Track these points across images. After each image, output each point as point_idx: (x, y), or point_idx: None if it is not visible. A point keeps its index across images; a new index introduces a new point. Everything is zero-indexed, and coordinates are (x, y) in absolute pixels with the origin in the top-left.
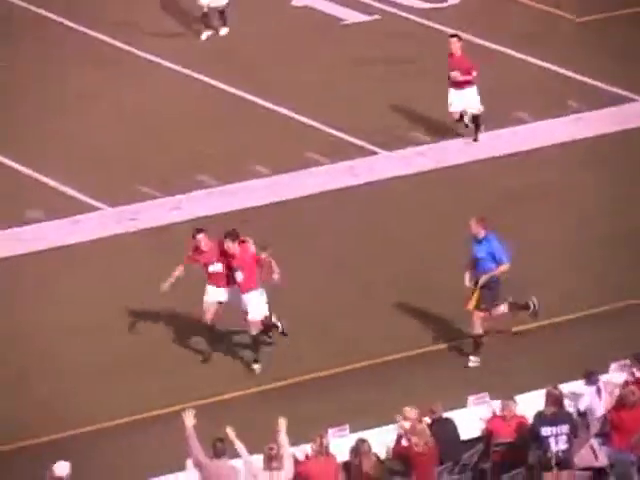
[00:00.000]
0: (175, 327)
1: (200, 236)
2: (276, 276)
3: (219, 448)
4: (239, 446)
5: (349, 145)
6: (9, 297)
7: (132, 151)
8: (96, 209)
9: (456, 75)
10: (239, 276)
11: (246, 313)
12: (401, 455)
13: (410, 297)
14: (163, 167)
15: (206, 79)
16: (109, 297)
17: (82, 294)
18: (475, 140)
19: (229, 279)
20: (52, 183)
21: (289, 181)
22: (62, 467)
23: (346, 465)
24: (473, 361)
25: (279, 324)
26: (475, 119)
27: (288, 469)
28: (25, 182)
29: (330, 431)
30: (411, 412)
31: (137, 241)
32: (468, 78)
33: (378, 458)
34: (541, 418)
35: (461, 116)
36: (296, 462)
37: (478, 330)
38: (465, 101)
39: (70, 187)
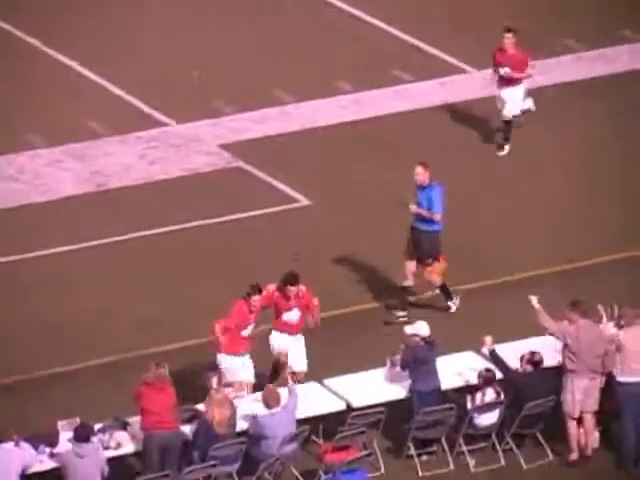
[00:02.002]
0: None
1: (256, 297)
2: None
3: (582, 308)
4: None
5: None
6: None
7: (503, 13)
8: (463, 71)
9: (507, 72)
10: (295, 316)
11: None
12: None
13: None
14: (531, 28)
15: None
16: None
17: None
18: (499, 149)
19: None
20: (420, 45)
21: None
22: (425, 327)
23: None
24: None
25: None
26: (507, 124)
27: None
28: (392, 44)
29: None
30: None
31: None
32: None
33: None
34: None
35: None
36: None
37: (408, 282)
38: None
39: (439, 50)
